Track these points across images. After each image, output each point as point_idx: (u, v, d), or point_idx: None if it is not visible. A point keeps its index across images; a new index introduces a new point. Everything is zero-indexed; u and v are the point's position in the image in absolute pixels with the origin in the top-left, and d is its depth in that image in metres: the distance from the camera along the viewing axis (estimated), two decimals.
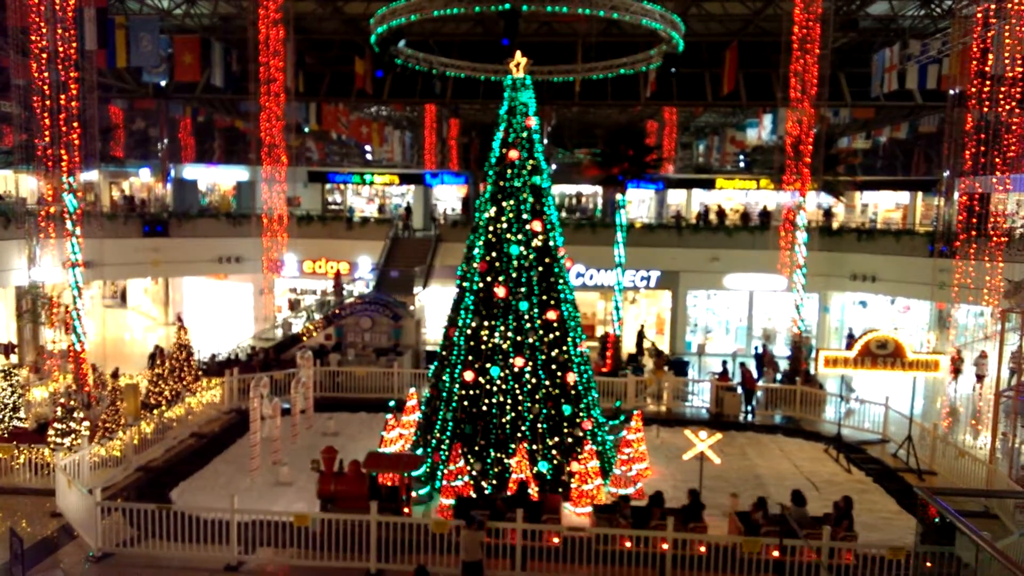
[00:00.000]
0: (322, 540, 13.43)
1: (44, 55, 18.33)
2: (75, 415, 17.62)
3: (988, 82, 20.42)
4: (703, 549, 13.12)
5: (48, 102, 18.39)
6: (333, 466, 15.04)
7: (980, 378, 24.60)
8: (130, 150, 38.90)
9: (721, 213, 34.83)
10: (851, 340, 21.37)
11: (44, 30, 18.33)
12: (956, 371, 25.01)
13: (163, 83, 31.22)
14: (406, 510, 14.07)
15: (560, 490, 16.06)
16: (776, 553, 12.91)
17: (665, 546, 13.06)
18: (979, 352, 25.07)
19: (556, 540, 13.39)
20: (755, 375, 23.93)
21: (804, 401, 22.70)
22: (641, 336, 29.88)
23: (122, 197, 37.88)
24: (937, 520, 14.44)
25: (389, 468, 14.92)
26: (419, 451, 16.96)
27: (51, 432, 17.57)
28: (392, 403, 18.11)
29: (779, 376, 25.44)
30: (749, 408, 22.68)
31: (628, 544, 13.17)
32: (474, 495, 15.40)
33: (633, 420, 17.62)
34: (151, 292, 38.25)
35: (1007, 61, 19.66)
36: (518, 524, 13.29)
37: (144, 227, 30.14)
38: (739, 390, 23.03)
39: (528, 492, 15.17)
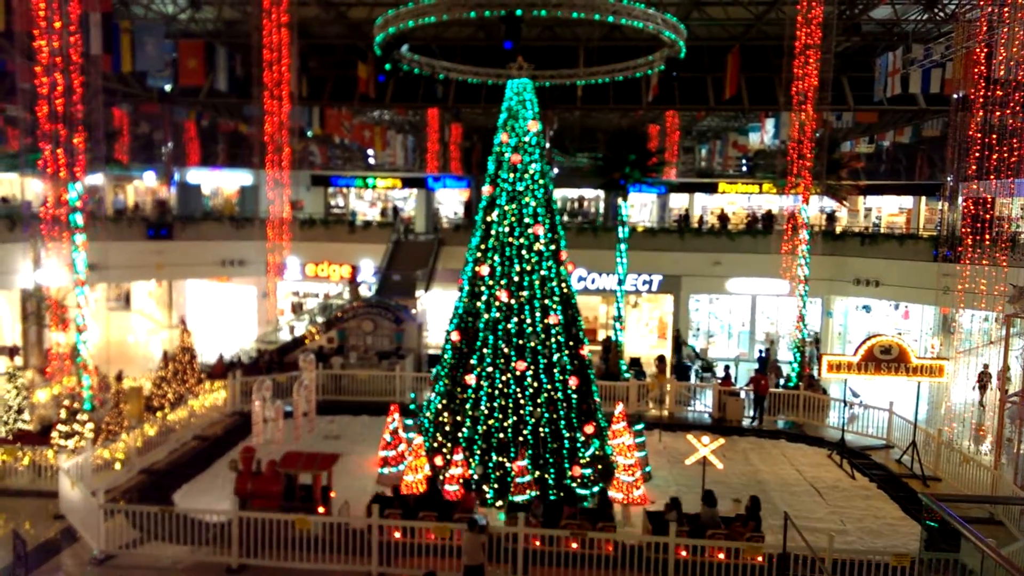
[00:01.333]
0: (241, 539, 13.51)
1: (50, 59, 18.39)
2: (78, 417, 17.67)
3: (992, 86, 20.41)
4: (610, 549, 13.27)
5: (54, 106, 18.44)
6: (251, 465, 15.17)
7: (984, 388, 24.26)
8: (135, 154, 38.97)
9: (724, 217, 34.81)
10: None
11: (50, 34, 18.39)
12: (983, 387, 24.40)
13: (168, 87, 31.31)
14: (321, 509, 14.09)
15: (562, 494, 16.05)
16: (684, 553, 13.12)
17: (574, 545, 13.25)
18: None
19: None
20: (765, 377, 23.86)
21: (807, 406, 22.65)
22: (679, 340, 29.63)
23: (146, 201, 37.64)
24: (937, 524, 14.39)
25: (303, 467, 15.00)
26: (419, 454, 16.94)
27: (55, 434, 17.62)
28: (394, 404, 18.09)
29: (781, 381, 25.39)
30: (755, 415, 22.61)
31: (538, 543, 13.30)
32: (390, 495, 15.30)
33: (635, 424, 17.59)
34: (155, 295, 38.29)
35: (1008, 65, 19.63)
36: (426, 523, 13.52)
37: (148, 230, 30.21)
38: (742, 395, 22.99)
39: (440, 491, 15.14)
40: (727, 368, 25.76)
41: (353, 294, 29.78)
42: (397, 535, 13.57)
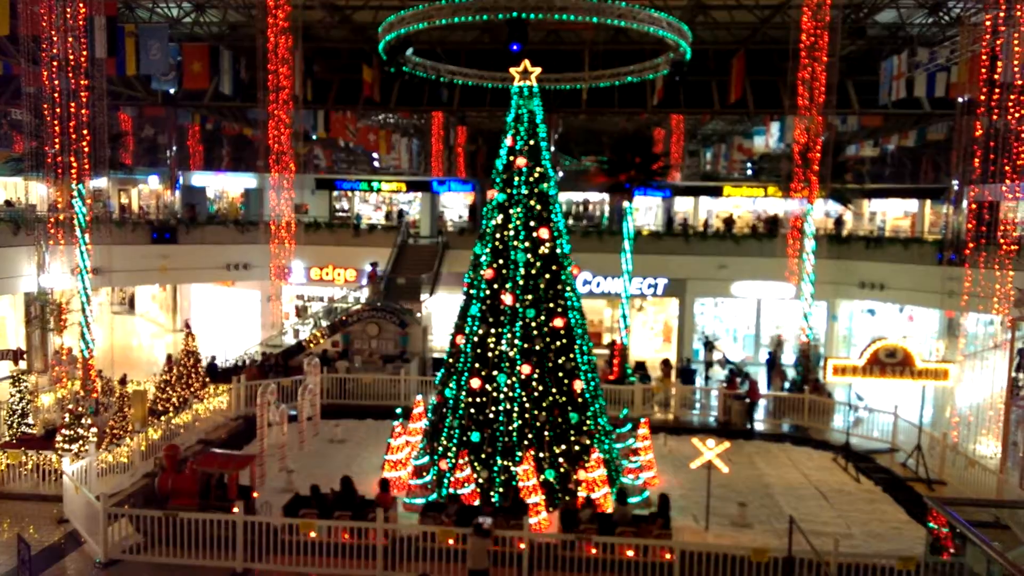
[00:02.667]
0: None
1: (55, 63, 18.47)
2: (83, 421, 17.68)
3: (997, 90, 20.35)
4: (523, 546, 13.31)
5: (58, 110, 18.51)
6: (174, 464, 15.34)
7: None
8: (139, 157, 39.12)
9: (730, 221, 34.76)
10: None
11: (55, 38, 18.48)
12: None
13: (172, 91, 31.42)
14: (235, 509, 14.18)
15: (567, 498, 16.01)
16: (594, 551, 13.18)
17: (522, 545, 13.33)
18: None
19: (385, 539, 13.58)
20: (766, 382, 23.80)
21: (812, 410, 22.58)
22: (710, 344, 29.57)
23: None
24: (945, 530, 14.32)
25: (218, 466, 15.10)
26: (425, 458, 16.92)
27: (59, 438, 17.62)
28: (399, 410, 18.08)
29: (787, 384, 25.32)
30: (749, 419, 22.53)
31: (451, 542, 13.38)
32: (305, 493, 15.34)
33: (640, 428, 17.56)
34: (159, 299, 38.39)
35: (1016, 69, 19.57)
36: (344, 523, 13.61)
37: (152, 234, 30.27)
38: (746, 399, 22.93)
39: (353, 491, 15.15)
40: (732, 372, 25.69)
41: (375, 292, 29.51)
42: (312, 534, 13.68)
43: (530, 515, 14.67)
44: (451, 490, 15.69)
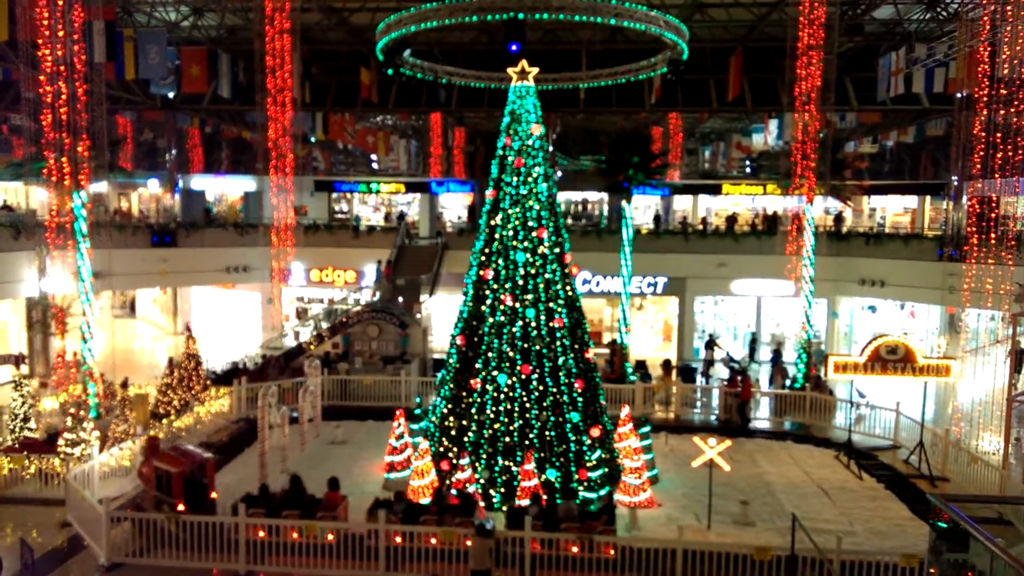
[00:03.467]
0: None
1: (53, 67, 18.47)
2: (84, 425, 17.69)
3: (996, 84, 20.34)
4: (469, 543, 13.33)
5: (65, 111, 18.52)
6: (150, 456, 15.61)
7: None
8: (138, 161, 39.12)
9: (732, 219, 34.73)
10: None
11: (54, 43, 18.48)
12: None
13: (171, 95, 31.42)
14: (180, 507, 14.39)
15: (568, 497, 16.00)
16: (537, 547, 13.33)
17: (433, 540, 13.46)
18: None
19: (331, 537, 13.69)
20: (768, 380, 23.76)
21: (814, 407, 22.58)
22: (712, 344, 29.59)
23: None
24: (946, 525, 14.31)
25: (170, 464, 15.16)
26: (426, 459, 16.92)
27: (61, 442, 17.64)
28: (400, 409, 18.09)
29: (788, 382, 25.31)
30: (741, 416, 22.51)
31: (399, 540, 13.47)
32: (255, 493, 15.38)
33: (641, 426, 17.55)
34: (160, 302, 38.41)
35: (1010, 64, 19.57)
36: (293, 521, 13.70)
37: (152, 237, 30.30)
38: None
39: (302, 490, 15.20)
40: (733, 369, 25.70)
41: (387, 290, 29.35)
42: (261, 534, 13.80)
43: (480, 514, 14.69)
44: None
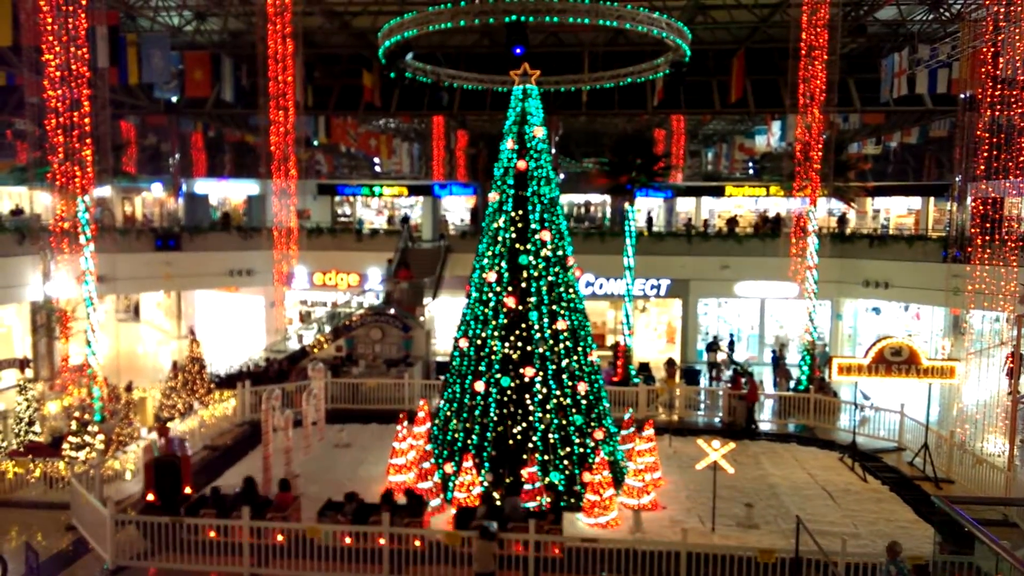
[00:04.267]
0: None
1: (57, 72, 18.53)
2: (89, 429, 17.73)
3: (1000, 85, 20.30)
4: (418, 544, 13.51)
5: (74, 116, 18.60)
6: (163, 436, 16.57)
7: None
8: (142, 165, 39.24)
9: (733, 221, 34.69)
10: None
11: (57, 48, 18.55)
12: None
13: (174, 99, 31.51)
14: (150, 496, 15.03)
15: (572, 500, 16.00)
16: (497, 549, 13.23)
17: (382, 541, 13.47)
18: None
19: (280, 538, 13.79)
20: (772, 382, 23.72)
21: (818, 409, 22.52)
22: (715, 346, 29.56)
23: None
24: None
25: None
26: (430, 462, 16.91)
27: (66, 446, 17.69)
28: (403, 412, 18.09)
29: (792, 384, 25.26)
30: (748, 419, 22.47)
31: (349, 540, 13.50)
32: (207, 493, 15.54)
33: (645, 429, 17.53)
34: (164, 306, 38.48)
35: (1012, 65, 19.53)
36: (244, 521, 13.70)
37: (156, 241, 30.38)
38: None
39: (255, 491, 15.27)
40: (736, 371, 25.65)
41: (404, 291, 29.34)
42: (212, 534, 13.91)
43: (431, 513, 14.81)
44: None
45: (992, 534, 10.45)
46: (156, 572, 13.75)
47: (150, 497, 15.45)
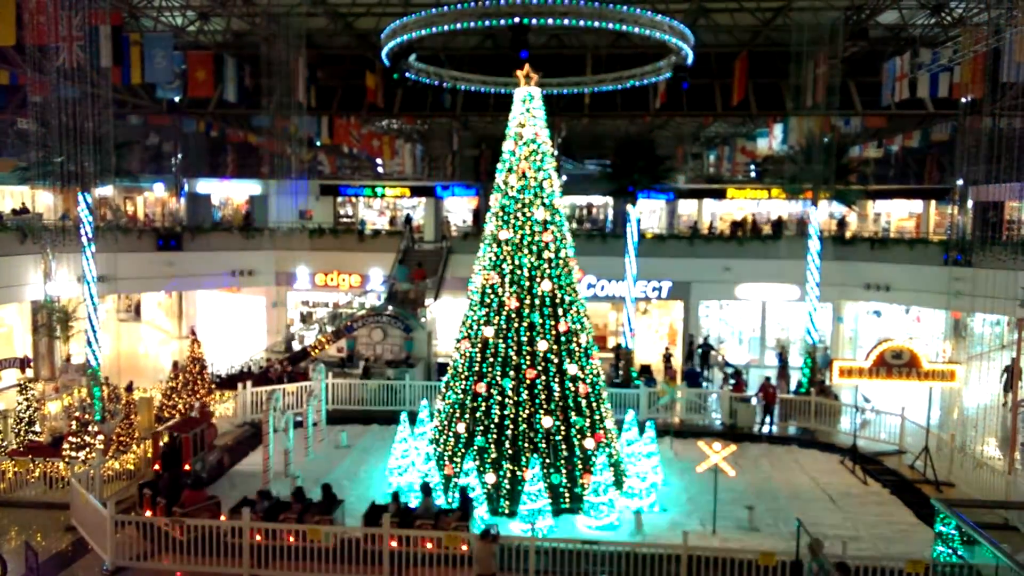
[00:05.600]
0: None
1: (60, 71, 18.58)
2: (89, 429, 17.73)
3: (1001, 89, 20.31)
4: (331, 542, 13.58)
5: (64, 119, 18.62)
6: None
7: None
8: (144, 165, 39.26)
9: (737, 224, 34.63)
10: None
11: (61, 48, 18.60)
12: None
13: (177, 99, 31.54)
14: (156, 466, 16.25)
15: (573, 502, 16.00)
16: (395, 543, 13.48)
17: (291, 539, 13.63)
18: None
19: (178, 533, 13.90)
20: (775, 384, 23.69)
21: (819, 412, 22.51)
22: (708, 347, 29.39)
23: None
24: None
25: (178, 429, 17.20)
26: (431, 463, 16.92)
27: (66, 446, 17.69)
28: (404, 415, 18.11)
29: (792, 387, 25.24)
30: (766, 420, 22.47)
31: (259, 537, 13.61)
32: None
33: (645, 431, 17.53)
34: (165, 306, 38.50)
35: (1012, 68, 19.54)
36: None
37: (158, 241, 30.39)
38: (753, 401, 22.86)
39: (183, 486, 15.34)
40: (739, 374, 25.64)
41: (417, 291, 29.36)
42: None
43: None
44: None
45: (993, 537, 10.47)
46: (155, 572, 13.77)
47: (156, 467, 16.88)
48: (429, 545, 13.49)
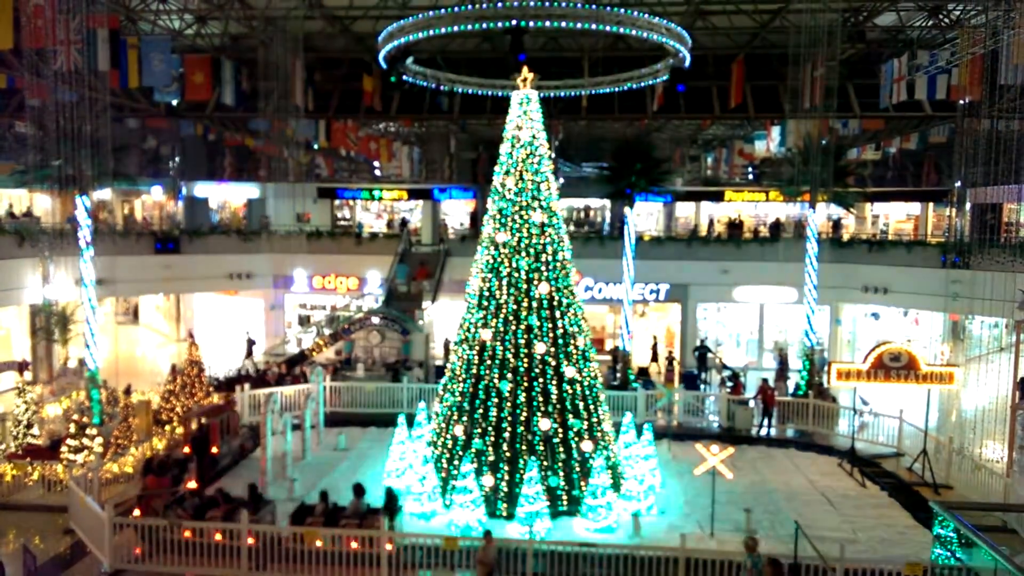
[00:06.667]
0: None
1: (57, 75, 18.58)
2: (87, 432, 17.71)
3: (998, 91, 20.35)
4: (251, 541, 13.77)
5: (62, 122, 18.63)
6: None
7: None
8: (142, 168, 39.24)
9: (734, 224, 34.67)
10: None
11: (58, 52, 18.60)
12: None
13: (174, 102, 31.54)
14: (214, 448, 17.24)
15: (572, 504, 15.98)
16: (320, 543, 13.64)
17: (218, 536, 13.81)
18: None
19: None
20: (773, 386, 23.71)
21: (817, 414, 22.51)
22: (705, 349, 29.37)
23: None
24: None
25: (204, 415, 18.51)
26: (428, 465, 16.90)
27: (64, 449, 17.67)
28: (402, 416, 18.10)
29: (790, 389, 25.24)
30: (764, 422, 22.48)
31: (188, 534, 13.81)
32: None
33: (643, 434, 17.53)
34: (163, 309, 38.48)
35: (1011, 70, 19.58)
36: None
37: (156, 244, 30.38)
38: (751, 404, 22.86)
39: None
40: (737, 376, 25.64)
41: (421, 288, 29.46)
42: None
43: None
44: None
45: (991, 540, 10.47)
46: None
47: (187, 450, 18.05)
48: (354, 544, 13.69)
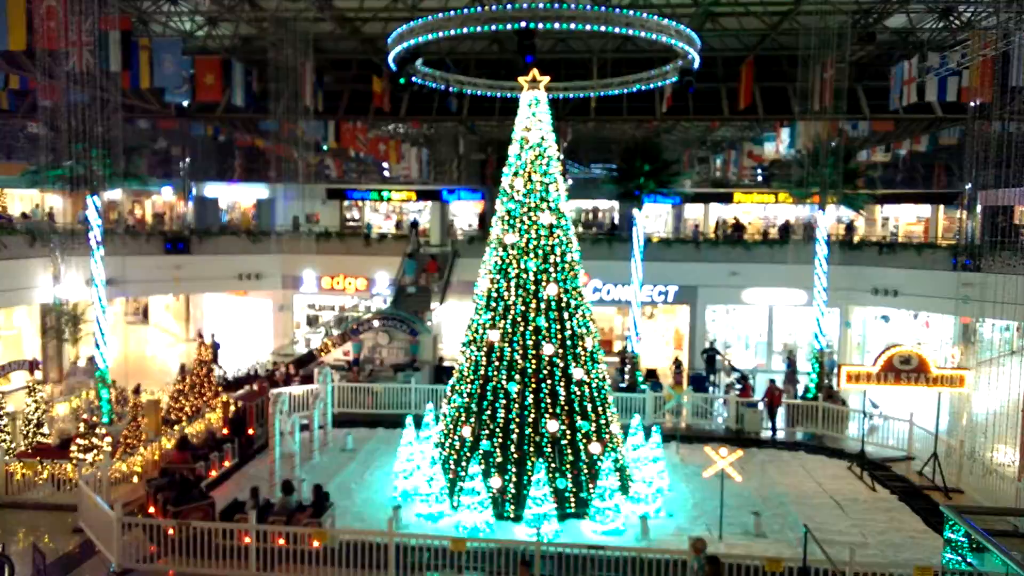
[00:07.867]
0: None
1: (70, 76, 18.70)
2: (97, 431, 17.80)
3: (1010, 93, 20.21)
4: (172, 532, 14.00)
5: (74, 122, 18.76)
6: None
7: None
8: (152, 169, 39.44)
9: (739, 226, 34.58)
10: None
11: (70, 52, 18.73)
12: None
13: (185, 103, 31.70)
14: (251, 430, 18.51)
15: (579, 506, 15.95)
16: (248, 539, 13.75)
17: (171, 532, 14.00)
18: None
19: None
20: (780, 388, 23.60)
21: (827, 417, 22.41)
22: (713, 352, 29.27)
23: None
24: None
25: (244, 400, 20.64)
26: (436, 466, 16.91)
27: (74, 448, 17.76)
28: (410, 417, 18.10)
29: (799, 392, 25.13)
30: (770, 426, 22.40)
31: (171, 531, 13.97)
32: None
33: (651, 436, 17.49)
34: (172, 309, 38.65)
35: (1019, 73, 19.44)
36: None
37: (166, 244, 30.52)
38: (760, 406, 22.78)
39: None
40: (746, 378, 25.55)
41: (429, 281, 29.39)
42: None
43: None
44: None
45: (1002, 544, 10.39)
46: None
47: (225, 431, 20.00)
48: (281, 541, 13.86)
